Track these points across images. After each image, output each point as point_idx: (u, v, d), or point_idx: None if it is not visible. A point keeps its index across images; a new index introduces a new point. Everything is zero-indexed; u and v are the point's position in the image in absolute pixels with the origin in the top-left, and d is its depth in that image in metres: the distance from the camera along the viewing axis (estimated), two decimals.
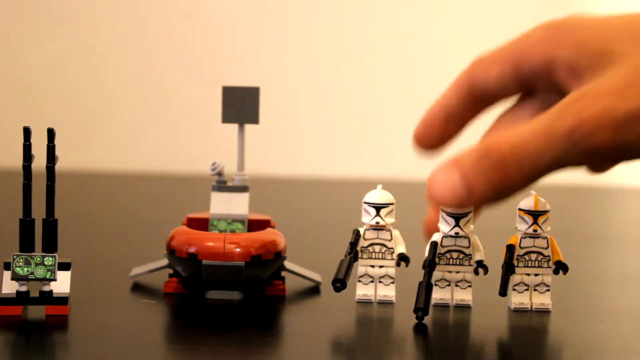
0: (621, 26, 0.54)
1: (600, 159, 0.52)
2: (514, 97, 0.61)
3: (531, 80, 0.59)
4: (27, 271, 0.56)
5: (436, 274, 0.61)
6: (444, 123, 0.62)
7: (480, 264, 0.62)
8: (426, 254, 0.60)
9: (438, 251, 0.60)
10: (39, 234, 0.56)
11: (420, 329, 0.58)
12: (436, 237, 0.61)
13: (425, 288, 0.58)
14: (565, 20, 0.57)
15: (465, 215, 0.60)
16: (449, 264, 0.61)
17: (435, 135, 0.62)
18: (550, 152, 0.52)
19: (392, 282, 0.62)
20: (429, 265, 0.59)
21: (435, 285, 0.61)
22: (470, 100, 0.61)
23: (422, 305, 0.57)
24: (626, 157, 0.52)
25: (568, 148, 0.51)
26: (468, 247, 0.61)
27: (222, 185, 0.67)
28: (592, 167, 0.55)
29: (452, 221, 0.60)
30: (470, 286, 0.61)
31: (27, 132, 0.55)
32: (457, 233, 0.60)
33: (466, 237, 0.61)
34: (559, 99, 0.57)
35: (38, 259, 0.56)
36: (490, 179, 0.52)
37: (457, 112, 0.62)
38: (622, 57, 0.53)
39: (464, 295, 0.61)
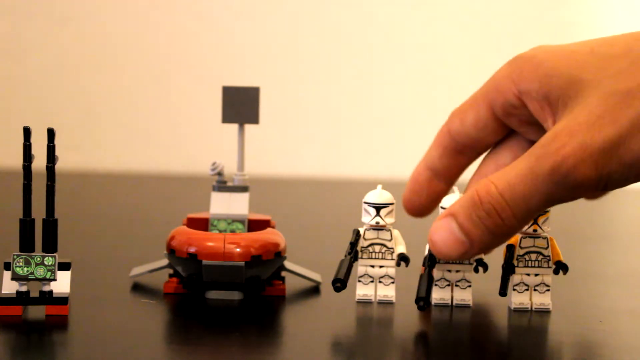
0: (586, 54, 0.54)
1: (587, 190, 0.52)
2: (496, 142, 0.61)
3: (507, 118, 0.59)
4: (27, 271, 0.56)
5: (436, 274, 0.61)
6: (430, 182, 0.62)
7: (480, 262, 0.62)
8: (426, 252, 0.60)
9: None
10: (39, 234, 0.56)
11: (420, 329, 0.58)
12: None
13: (427, 279, 0.58)
14: (531, 53, 0.57)
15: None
16: (448, 262, 0.61)
17: (422, 196, 0.63)
18: (538, 192, 0.52)
19: (392, 282, 0.62)
20: (430, 260, 0.59)
21: (435, 285, 0.61)
22: (453, 153, 0.62)
23: (424, 294, 0.57)
24: (613, 184, 0.52)
25: (554, 186, 0.52)
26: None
27: (222, 185, 0.67)
28: (583, 197, 0.56)
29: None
30: (470, 286, 0.61)
31: (27, 132, 0.55)
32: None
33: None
34: (537, 132, 0.57)
35: (38, 259, 0.56)
36: (487, 227, 0.53)
37: (442, 168, 0.62)
38: (590, 86, 0.53)
39: (464, 295, 0.61)
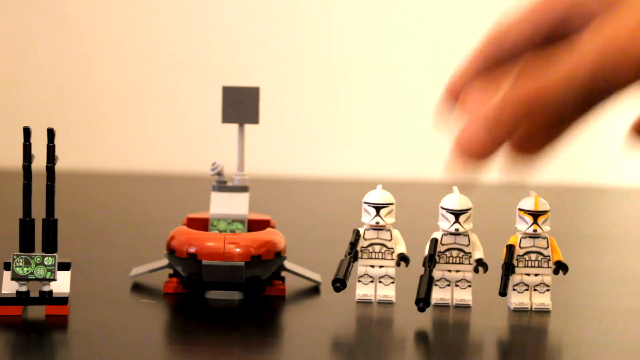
0: None
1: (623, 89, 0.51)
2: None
3: (553, 33, 0.58)
4: (27, 271, 0.56)
5: (436, 274, 0.61)
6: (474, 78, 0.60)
7: (480, 262, 0.62)
8: (426, 252, 0.60)
9: (438, 249, 0.60)
10: (39, 234, 0.56)
11: (420, 329, 0.58)
12: (437, 234, 0.61)
13: (427, 280, 0.58)
14: None
15: (465, 212, 0.60)
16: (448, 262, 0.61)
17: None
18: (574, 88, 0.51)
19: (392, 282, 0.62)
20: (429, 260, 0.59)
21: (435, 285, 0.61)
22: (493, 63, 0.61)
23: (424, 295, 0.57)
24: None
25: (592, 82, 0.51)
26: (468, 245, 0.61)
27: (222, 185, 0.67)
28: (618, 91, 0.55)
29: (452, 218, 0.60)
30: (470, 286, 0.61)
31: (27, 132, 0.55)
32: (457, 229, 0.60)
33: (466, 234, 0.61)
34: None
35: (38, 259, 0.56)
36: (515, 128, 0.52)
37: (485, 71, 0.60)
38: None
39: (464, 295, 0.61)
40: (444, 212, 0.61)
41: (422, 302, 0.57)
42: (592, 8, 0.55)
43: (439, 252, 0.61)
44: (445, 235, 0.61)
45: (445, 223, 0.60)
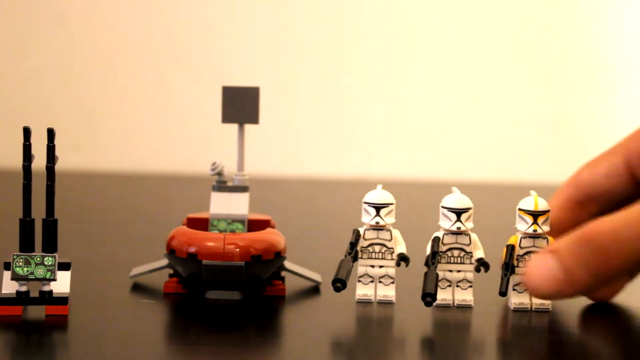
0: None
1: None
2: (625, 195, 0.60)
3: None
4: (27, 271, 0.56)
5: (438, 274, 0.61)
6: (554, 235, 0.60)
7: (481, 261, 0.61)
8: (428, 251, 0.60)
9: (440, 249, 0.60)
10: (39, 234, 0.56)
11: (420, 329, 0.58)
12: (438, 233, 0.61)
13: (432, 276, 0.58)
14: None
15: (466, 210, 0.60)
16: (450, 262, 0.61)
17: None
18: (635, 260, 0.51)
19: (392, 282, 0.61)
20: (433, 257, 0.59)
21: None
22: (573, 205, 0.60)
23: (432, 290, 0.57)
24: None
25: None
26: (469, 245, 0.61)
27: (222, 185, 0.67)
28: None
29: (453, 217, 0.60)
30: (471, 286, 0.61)
31: (27, 132, 0.55)
32: (458, 228, 0.60)
33: (467, 234, 0.61)
34: None
35: (38, 259, 0.56)
36: (590, 266, 0.51)
37: (556, 220, 0.60)
38: None
39: (465, 296, 0.61)
40: (445, 211, 0.61)
41: (430, 296, 0.57)
42: None
43: (441, 251, 0.60)
44: (446, 234, 0.61)
45: (447, 222, 0.60)
